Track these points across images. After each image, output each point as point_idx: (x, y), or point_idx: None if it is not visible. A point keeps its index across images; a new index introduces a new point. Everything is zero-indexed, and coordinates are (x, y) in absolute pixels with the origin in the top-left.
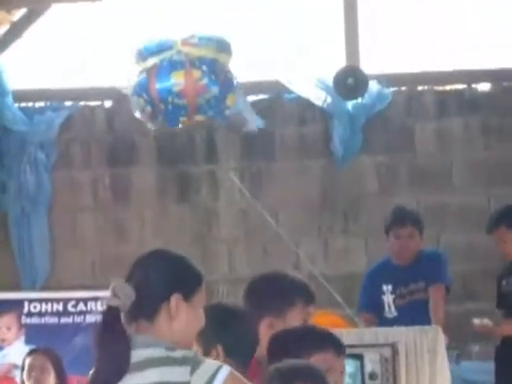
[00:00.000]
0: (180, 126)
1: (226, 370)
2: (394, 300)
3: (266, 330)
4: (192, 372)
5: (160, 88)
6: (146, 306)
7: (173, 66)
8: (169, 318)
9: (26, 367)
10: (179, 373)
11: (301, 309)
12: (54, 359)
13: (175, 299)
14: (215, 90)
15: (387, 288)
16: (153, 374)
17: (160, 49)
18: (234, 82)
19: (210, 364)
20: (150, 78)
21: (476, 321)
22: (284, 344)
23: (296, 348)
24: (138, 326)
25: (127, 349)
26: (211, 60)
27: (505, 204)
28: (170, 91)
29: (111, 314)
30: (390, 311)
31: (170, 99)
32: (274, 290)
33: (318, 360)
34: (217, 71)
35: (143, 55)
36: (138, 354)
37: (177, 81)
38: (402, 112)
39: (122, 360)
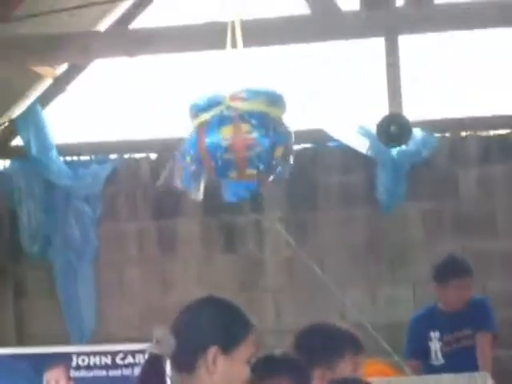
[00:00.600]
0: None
1: None
2: (441, 347)
3: (317, 382)
4: None
5: (209, 143)
6: (184, 357)
7: (222, 121)
8: (208, 372)
9: None
10: None
11: (350, 359)
12: None
13: (212, 352)
14: (265, 143)
15: (434, 335)
16: None
17: (210, 104)
18: (285, 134)
19: None
20: (200, 135)
21: None
22: None
23: None
24: (181, 378)
25: None
26: (261, 113)
27: None
28: (218, 146)
29: (153, 361)
30: (437, 358)
31: (218, 154)
32: (322, 342)
33: None
34: (266, 124)
35: (194, 112)
36: None
37: (225, 135)
38: (446, 158)
39: None
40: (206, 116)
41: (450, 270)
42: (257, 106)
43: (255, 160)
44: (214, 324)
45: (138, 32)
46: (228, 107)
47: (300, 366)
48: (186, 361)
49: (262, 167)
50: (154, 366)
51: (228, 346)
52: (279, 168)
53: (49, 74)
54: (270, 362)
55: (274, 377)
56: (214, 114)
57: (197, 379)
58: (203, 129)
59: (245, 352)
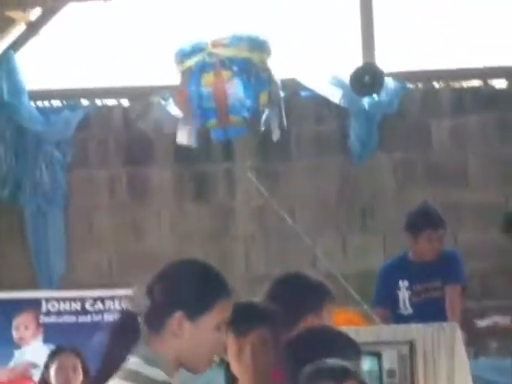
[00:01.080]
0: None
1: None
2: (410, 297)
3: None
4: None
5: (190, 91)
6: (154, 319)
7: (203, 68)
8: (174, 336)
9: (55, 366)
10: None
11: (323, 309)
12: (83, 358)
13: (177, 318)
14: (247, 89)
15: (403, 284)
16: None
17: (194, 50)
18: (269, 80)
19: None
20: (183, 81)
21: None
22: (308, 346)
23: (321, 351)
24: (151, 337)
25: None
26: (243, 59)
27: None
28: (199, 94)
29: (127, 317)
30: (406, 308)
31: (199, 102)
32: (299, 292)
33: None
34: (249, 70)
35: (179, 58)
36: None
37: (207, 83)
38: (419, 109)
39: (118, 363)
40: (189, 63)
41: (423, 220)
42: (239, 52)
43: (238, 107)
44: (182, 289)
45: None
46: (210, 54)
47: (278, 316)
48: (155, 322)
49: (246, 113)
50: (127, 321)
51: (194, 312)
52: (268, 114)
53: (21, 19)
54: (251, 313)
55: (256, 328)
56: (197, 60)
57: (164, 341)
58: (186, 75)
59: (213, 319)
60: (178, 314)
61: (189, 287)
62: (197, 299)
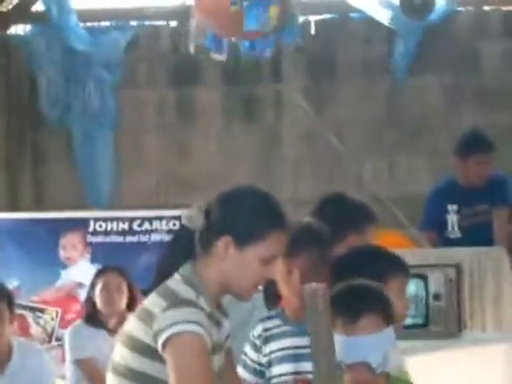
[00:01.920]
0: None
1: (174, 332)
2: (458, 221)
3: (343, 249)
4: (163, 311)
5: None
6: (206, 238)
7: None
8: (218, 258)
9: (100, 286)
10: (157, 305)
11: (368, 230)
12: (128, 278)
13: (224, 241)
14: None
15: (452, 208)
16: (149, 297)
17: None
18: None
19: (170, 317)
20: None
21: None
22: (354, 265)
23: (369, 270)
24: (199, 255)
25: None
26: None
27: None
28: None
29: (182, 233)
30: (453, 231)
31: None
32: (345, 212)
33: (391, 286)
34: None
35: None
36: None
37: None
38: (468, 32)
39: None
40: None
41: (472, 145)
42: None
43: (248, 18)
44: (235, 215)
45: None
46: None
47: (327, 237)
48: (206, 242)
49: (254, 26)
50: (181, 238)
51: (244, 240)
52: (277, 29)
53: None
54: (301, 233)
55: (306, 250)
56: None
57: (210, 263)
58: None
59: (262, 250)
60: (226, 238)
61: (244, 214)
62: (249, 227)
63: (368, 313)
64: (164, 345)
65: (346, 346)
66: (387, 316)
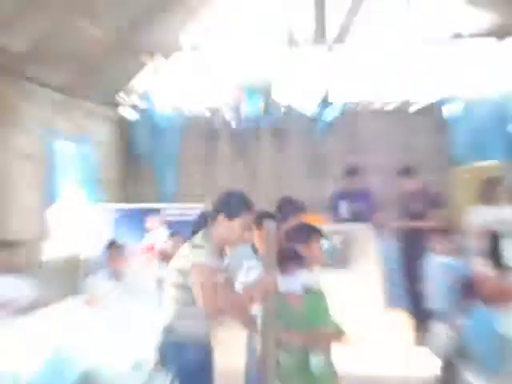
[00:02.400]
0: None
1: (194, 262)
2: (346, 209)
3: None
4: (190, 252)
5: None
6: (213, 217)
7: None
8: (220, 225)
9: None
10: (187, 249)
11: (298, 215)
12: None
13: (221, 216)
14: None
15: (342, 203)
16: (184, 245)
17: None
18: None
19: (195, 252)
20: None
21: None
22: (292, 232)
23: (300, 235)
24: (211, 226)
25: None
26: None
27: None
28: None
29: (202, 216)
30: (344, 214)
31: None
32: (284, 209)
33: (313, 245)
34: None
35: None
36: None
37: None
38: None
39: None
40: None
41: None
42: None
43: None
44: (227, 205)
45: None
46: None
47: (277, 219)
48: (213, 218)
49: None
50: (202, 218)
51: (229, 215)
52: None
53: (149, 61)
54: (266, 217)
55: (268, 225)
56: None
57: (215, 229)
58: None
59: (241, 223)
60: (221, 216)
61: (230, 204)
62: (233, 211)
63: (292, 263)
64: (190, 268)
65: (282, 281)
66: (302, 264)
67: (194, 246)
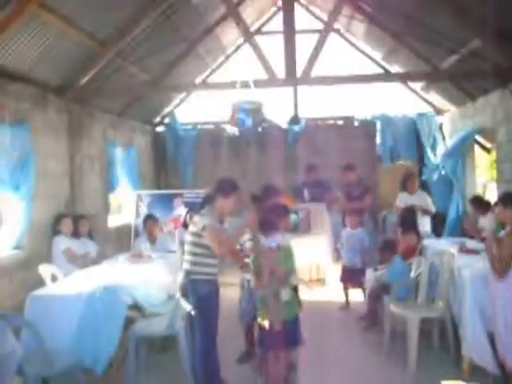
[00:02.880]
0: None
1: (207, 223)
2: (309, 194)
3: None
4: (199, 220)
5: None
6: (213, 197)
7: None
8: (217, 202)
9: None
10: (198, 218)
11: (278, 197)
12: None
13: (219, 195)
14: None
15: (306, 189)
16: (195, 216)
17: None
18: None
19: (203, 219)
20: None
21: None
22: (271, 208)
23: (275, 211)
24: (213, 203)
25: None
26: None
27: None
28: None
29: (208, 194)
30: (307, 198)
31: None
32: (266, 194)
33: (286, 220)
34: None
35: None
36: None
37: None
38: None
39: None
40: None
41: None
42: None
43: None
44: (221, 187)
45: None
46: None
47: (260, 200)
48: (214, 197)
49: (244, 122)
50: (208, 195)
51: (224, 194)
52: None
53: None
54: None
55: (257, 205)
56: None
57: (215, 204)
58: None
59: (232, 199)
60: (219, 195)
61: (224, 188)
62: (226, 191)
63: (271, 229)
64: (203, 229)
65: (264, 241)
66: (277, 229)
67: (202, 215)
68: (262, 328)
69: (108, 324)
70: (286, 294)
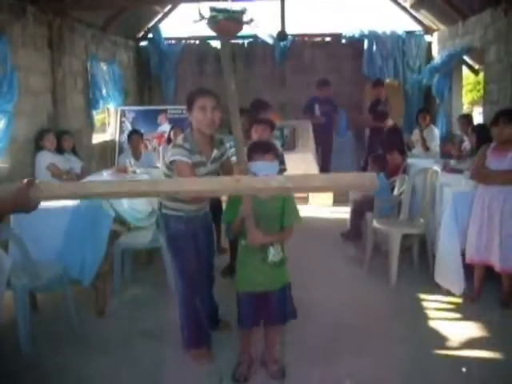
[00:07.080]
0: None
1: (174, 159)
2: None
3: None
4: (171, 149)
5: None
6: (190, 109)
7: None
8: (191, 116)
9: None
10: (171, 147)
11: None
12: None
13: (192, 109)
14: None
15: (316, 105)
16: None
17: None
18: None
19: (174, 151)
20: None
21: None
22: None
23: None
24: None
25: None
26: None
27: None
28: None
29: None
30: (320, 117)
31: None
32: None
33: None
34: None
35: None
36: None
37: None
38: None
39: None
40: None
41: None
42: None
43: None
44: (191, 99)
45: None
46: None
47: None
48: (191, 109)
49: None
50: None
51: (190, 104)
52: None
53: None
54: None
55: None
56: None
57: (193, 116)
58: None
59: (197, 105)
60: (195, 107)
61: (192, 98)
62: (191, 99)
63: (268, 152)
64: (171, 162)
65: (261, 165)
66: (276, 155)
67: (174, 146)
68: (238, 292)
69: (94, 236)
70: (275, 254)
